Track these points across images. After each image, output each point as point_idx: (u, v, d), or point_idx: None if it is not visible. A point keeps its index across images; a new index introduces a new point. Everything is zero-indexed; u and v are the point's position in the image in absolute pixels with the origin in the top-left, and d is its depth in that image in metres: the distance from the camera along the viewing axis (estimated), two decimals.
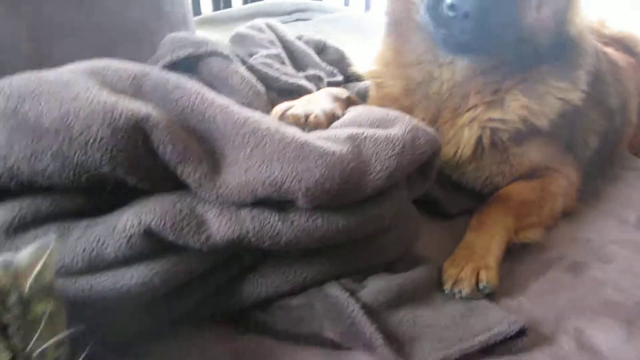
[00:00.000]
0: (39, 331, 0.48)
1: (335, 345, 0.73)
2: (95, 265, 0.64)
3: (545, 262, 0.91)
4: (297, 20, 1.70)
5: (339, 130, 0.73)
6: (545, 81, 0.94)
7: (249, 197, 0.65)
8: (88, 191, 0.65)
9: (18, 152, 0.60)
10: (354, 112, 0.82)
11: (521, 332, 0.72)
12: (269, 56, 0.96)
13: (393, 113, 0.77)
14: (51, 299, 0.51)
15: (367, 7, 2.08)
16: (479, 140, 0.97)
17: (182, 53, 0.78)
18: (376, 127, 0.73)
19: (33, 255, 0.50)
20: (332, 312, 0.71)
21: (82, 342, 0.53)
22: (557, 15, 0.93)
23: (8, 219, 0.62)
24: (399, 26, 1.01)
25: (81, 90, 0.62)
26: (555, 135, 0.97)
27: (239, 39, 1.11)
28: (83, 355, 0.52)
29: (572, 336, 0.77)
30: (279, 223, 0.66)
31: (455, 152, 0.97)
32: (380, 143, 0.70)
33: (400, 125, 0.73)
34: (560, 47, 0.94)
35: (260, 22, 1.11)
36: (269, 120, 0.69)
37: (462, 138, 0.96)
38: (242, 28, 1.04)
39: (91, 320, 0.54)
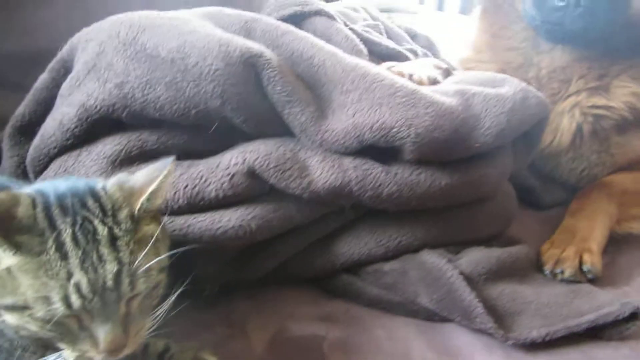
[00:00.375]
0: (145, 250, 0.47)
1: (428, 316, 0.69)
2: (195, 204, 0.63)
3: None
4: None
5: (447, 85, 0.71)
6: None
7: (354, 143, 0.63)
8: (193, 130, 0.65)
9: (134, 80, 0.61)
10: (459, 75, 0.80)
11: (633, 316, 0.66)
12: (368, 26, 0.96)
13: (501, 75, 0.74)
14: (157, 224, 0.50)
15: (440, 8, 2.08)
16: (579, 127, 0.92)
17: (287, 12, 0.79)
18: (482, 87, 0.70)
19: (148, 177, 0.50)
20: (428, 279, 0.67)
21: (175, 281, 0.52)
22: None
23: (116, 151, 0.63)
24: (498, 12, 0.99)
25: (198, 26, 0.63)
26: None
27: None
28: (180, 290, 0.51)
29: None
30: (382, 174, 0.64)
31: (552, 140, 0.93)
32: (490, 100, 0.67)
33: (509, 85, 0.70)
34: None
35: (354, 3, 1.12)
36: (378, 68, 0.67)
37: (560, 125, 0.92)
38: (338, 6, 1.05)
39: (184, 263, 0.53)
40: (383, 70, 0.67)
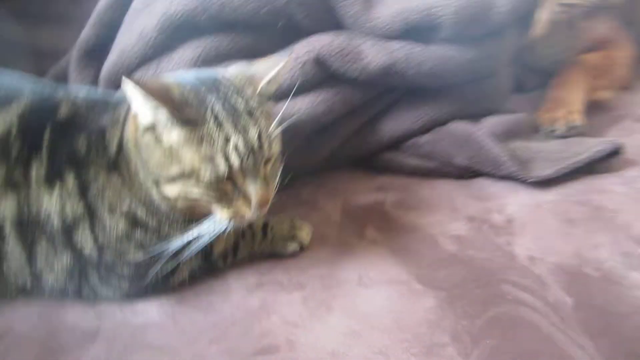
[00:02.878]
0: (272, 121, 0.56)
1: (460, 175, 0.84)
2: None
3: (616, 117, 1.04)
4: None
5: None
6: None
7: (401, 25, 0.75)
8: (260, 31, 0.73)
9: None
10: None
11: (616, 152, 0.84)
12: None
13: None
14: (271, 108, 0.59)
15: None
16: (553, 17, 1.07)
17: None
18: None
19: (267, 66, 0.59)
20: (460, 141, 0.82)
21: None
22: None
23: (196, 54, 0.71)
24: None
25: None
26: (621, 10, 1.08)
27: None
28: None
29: None
30: (423, 52, 0.77)
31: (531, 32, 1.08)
32: None
33: None
34: None
35: None
36: None
37: (539, 17, 1.07)
38: None
39: None
40: None
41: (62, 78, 0.79)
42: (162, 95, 0.51)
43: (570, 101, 0.96)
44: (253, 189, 0.54)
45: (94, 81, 0.76)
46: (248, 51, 0.73)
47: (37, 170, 0.56)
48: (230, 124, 0.53)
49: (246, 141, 0.53)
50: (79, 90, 0.63)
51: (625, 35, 1.13)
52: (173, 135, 0.52)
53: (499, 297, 0.62)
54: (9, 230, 0.55)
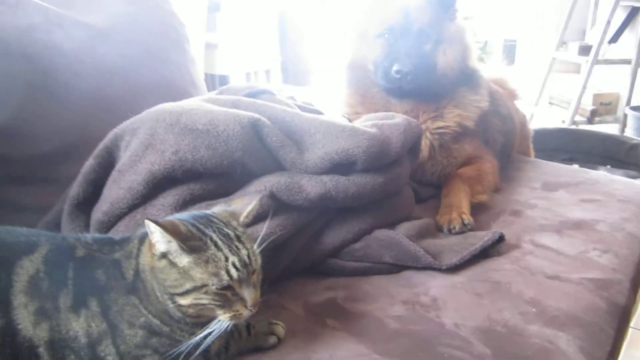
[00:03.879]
0: (254, 243, 0.74)
1: (391, 270, 1.05)
2: None
3: (495, 213, 1.33)
4: None
5: (365, 122, 1.11)
6: (465, 97, 1.41)
7: (327, 164, 0.98)
8: (223, 178, 0.94)
9: (185, 147, 0.89)
10: (365, 117, 1.21)
11: (501, 239, 1.11)
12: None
13: (391, 113, 1.17)
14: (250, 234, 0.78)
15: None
16: (431, 143, 1.40)
17: (244, 92, 1.11)
18: (384, 120, 1.12)
19: (243, 205, 0.78)
20: (386, 243, 1.04)
21: None
22: (458, 59, 1.42)
23: (175, 200, 0.89)
24: (359, 83, 1.45)
25: (211, 107, 0.94)
26: (477, 133, 1.44)
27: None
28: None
29: (528, 242, 1.17)
30: (347, 181, 1.00)
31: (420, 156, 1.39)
32: (392, 126, 1.09)
33: (398, 117, 1.13)
34: (467, 76, 1.43)
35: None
36: (326, 116, 1.05)
37: (423, 145, 1.38)
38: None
39: None
40: (329, 116, 1.05)
41: (52, 229, 0.92)
42: (172, 231, 0.68)
43: (459, 205, 1.24)
44: (247, 294, 0.71)
45: (85, 229, 0.91)
46: (215, 193, 0.93)
47: (65, 301, 0.69)
48: (227, 247, 0.70)
49: (240, 259, 0.70)
50: (84, 235, 0.78)
51: (487, 151, 1.48)
52: (184, 260, 0.68)
53: (439, 356, 0.82)
54: (43, 350, 0.67)
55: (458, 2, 1.41)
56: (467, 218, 1.20)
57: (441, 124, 1.39)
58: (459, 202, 1.26)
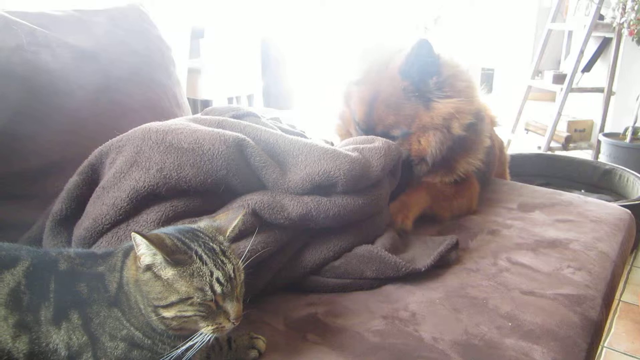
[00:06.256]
0: (239, 259, 0.75)
1: (371, 286, 1.07)
2: None
3: (473, 233, 1.36)
4: None
5: (346, 146, 1.14)
6: (469, 155, 1.46)
7: (308, 185, 1.01)
8: (206, 195, 0.95)
9: (169, 165, 0.91)
10: (345, 140, 1.24)
11: (457, 245, 1.17)
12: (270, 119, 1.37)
13: (371, 137, 1.21)
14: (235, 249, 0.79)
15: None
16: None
17: (229, 114, 1.14)
18: (365, 144, 1.15)
19: (228, 220, 0.79)
20: (366, 259, 1.06)
21: None
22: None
23: (158, 217, 0.90)
24: (345, 122, 1.51)
25: (196, 127, 0.97)
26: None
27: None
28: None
29: (505, 259, 1.21)
30: (328, 202, 1.02)
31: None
32: (372, 150, 1.12)
33: (378, 141, 1.17)
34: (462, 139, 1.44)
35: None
36: (308, 139, 1.08)
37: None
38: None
39: None
40: (311, 140, 1.08)
41: (34, 245, 0.92)
42: (158, 244, 0.69)
43: (408, 208, 1.29)
44: (230, 307, 0.72)
45: (67, 245, 0.91)
46: (199, 210, 0.95)
47: (46, 314, 0.69)
48: (212, 262, 0.71)
49: (225, 273, 0.71)
50: (67, 249, 0.78)
51: (472, 174, 1.52)
52: (168, 273, 0.69)
53: None
54: None
55: (436, 93, 1.34)
56: (407, 223, 1.27)
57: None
58: (411, 205, 1.31)
